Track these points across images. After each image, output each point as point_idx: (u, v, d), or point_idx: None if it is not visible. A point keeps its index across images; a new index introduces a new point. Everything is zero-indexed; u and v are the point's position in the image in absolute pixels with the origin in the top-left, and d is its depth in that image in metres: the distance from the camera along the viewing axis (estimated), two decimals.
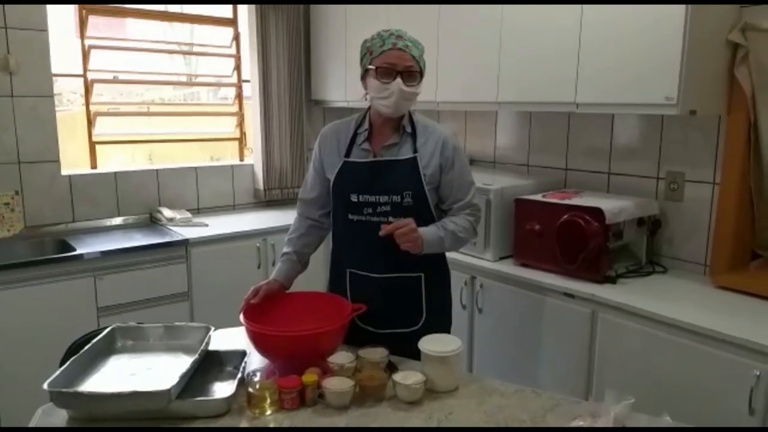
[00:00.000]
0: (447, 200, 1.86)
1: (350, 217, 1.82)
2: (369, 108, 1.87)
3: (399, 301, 1.83)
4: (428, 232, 1.76)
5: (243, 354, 1.65)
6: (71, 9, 3.31)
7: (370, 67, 1.77)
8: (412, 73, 1.75)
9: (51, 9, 3.06)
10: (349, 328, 1.70)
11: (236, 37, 3.85)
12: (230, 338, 1.81)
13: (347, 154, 1.84)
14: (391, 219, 1.76)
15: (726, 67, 2.25)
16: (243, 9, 3.77)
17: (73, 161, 3.35)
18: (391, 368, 1.60)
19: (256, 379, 1.46)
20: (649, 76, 2.16)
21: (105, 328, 1.74)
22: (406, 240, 1.70)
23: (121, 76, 3.55)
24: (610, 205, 2.32)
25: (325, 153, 1.89)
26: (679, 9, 2.05)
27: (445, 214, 1.88)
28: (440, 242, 1.79)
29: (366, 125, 1.85)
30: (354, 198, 1.80)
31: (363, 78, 1.84)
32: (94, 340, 1.65)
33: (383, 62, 1.74)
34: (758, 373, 1.77)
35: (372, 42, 1.78)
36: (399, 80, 1.73)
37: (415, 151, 1.80)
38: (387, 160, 1.81)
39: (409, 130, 1.83)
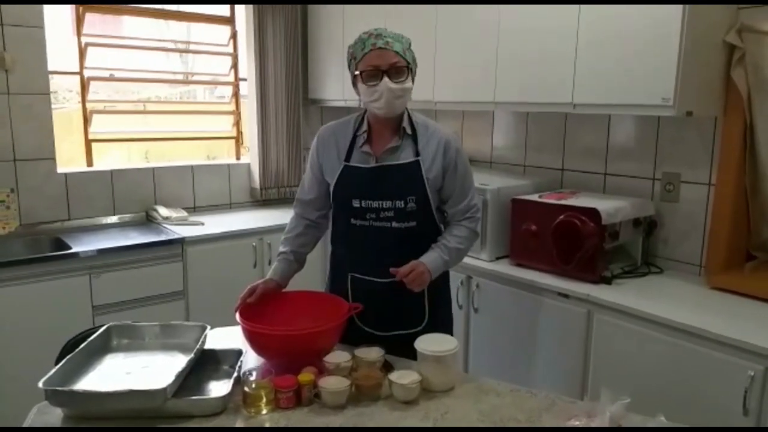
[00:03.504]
0: (448, 202, 1.84)
1: (353, 222, 1.80)
2: (366, 109, 1.84)
3: (402, 304, 1.82)
4: (432, 260, 1.76)
5: (239, 353, 1.65)
6: (68, 6, 3.30)
7: (356, 72, 1.74)
8: (399, 69, 1.70)
9: (47, 6, 3.05)
10: (348, 328, 1.70)
11: (233, 36, 3.84)
12: (226, 337, 1.81)
13: (347, 158, 1.81)
14: (394, 224, 1.76)
15: (722, 68, 2.26)
16: (240, 8, 3.77)
17: (68, 159, 3.35)
18: (387, 368, 1.60)
19: (252, 378, 1.46)
20: (646, 77, 2.16)
21: (100, 326, 1.74)
22: (417, 283, 1.71)
23: (118, 74, 3.53)
24: (606, 206, 2.32)
25: (324, 157, 1.86)
26: (677, 10, 2.06)
27: (444, 216, 1.87)
28: (445, 264, 1.80)
29: (365, 127, 1.81)
30: (356, 203, 1.78)
31: (354, 84, 1.81)
32: (90, 339, 1.65)
33: (367, 65, 1.71)
34: (752, 374, 1.78)
35: (354, 47, 1.75)
36: (386, 79, 1.69)
37: (417, 154, 1.78)
38: (389, 165, 1.77)
39: (409, 131, 1.79)
